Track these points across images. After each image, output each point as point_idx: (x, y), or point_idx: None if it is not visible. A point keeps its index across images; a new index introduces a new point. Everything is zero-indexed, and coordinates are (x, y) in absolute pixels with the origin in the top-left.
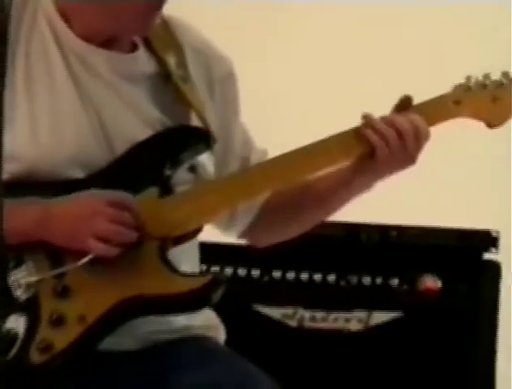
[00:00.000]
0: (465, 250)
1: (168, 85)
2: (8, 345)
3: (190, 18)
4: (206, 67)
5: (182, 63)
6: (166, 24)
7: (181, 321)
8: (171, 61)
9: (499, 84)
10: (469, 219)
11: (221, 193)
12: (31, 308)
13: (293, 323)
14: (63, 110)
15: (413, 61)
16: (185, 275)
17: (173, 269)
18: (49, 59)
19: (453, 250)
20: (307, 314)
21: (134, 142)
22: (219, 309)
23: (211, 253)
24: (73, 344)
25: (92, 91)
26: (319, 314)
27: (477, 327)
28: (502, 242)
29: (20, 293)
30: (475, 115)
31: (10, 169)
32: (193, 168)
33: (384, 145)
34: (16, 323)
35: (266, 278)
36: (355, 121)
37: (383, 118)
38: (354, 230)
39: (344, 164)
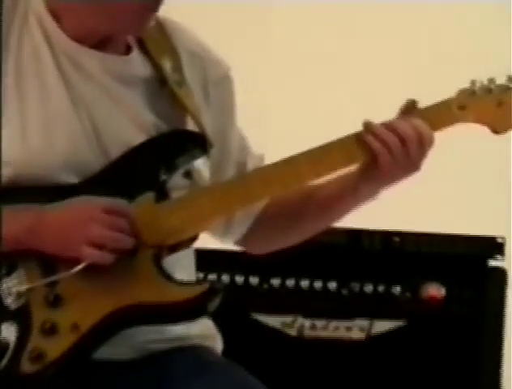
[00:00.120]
0: (470, 256)
1: (163, 89)
2: None
3: (185, 20)
4: (202, 70)
5: (178, 66)
6: (161, 27)
7: (178, 330)
8: (166, 64)
9: (504, 89)
10: (474, 225)
11: (218, 200)
12: (22, 316)
13: (293, 332)
14: (54, 113)
15: (413, 62)
16: (181, 283)
17: (169, 277)
18: (39, 61)
19: (457, 256)
20: (307, 322)
21: (127, 146)
22: (217, 318)
23: (207, 260)
24: (66, 354)
25: (84, 93)
26: (320, 323)
27: (482, 336)
28: (508, 249)
29: (10, 302)
30: (480, 120)
31: (3, 173)
32: (188, 174)
33: (386, 151)
34: (7, 332)
35: (264, 285)
36: (355, 126)
37: (385, 124)
38: (356, 236)
39: (345, 170)
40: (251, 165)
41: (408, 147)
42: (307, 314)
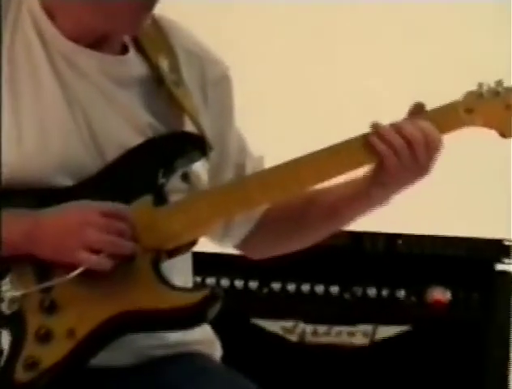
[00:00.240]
0: (476, 260)
1: (160, 89)
2: None
3: (181, 19)
4: (200, 70)
5: (175, 66)
6: (157, 25)
7: (176, 336)
8: (163, 64)
9: None
10: (480, 227)
11: (216, 204)
12: (16, 323)
13: (294, 338)
14: (49, 115)
15: (412, 62)
16: (180, 289)
17: (167, 283)
18: (33, 61)
19: (463, 260)
20: (308, 328)
21: (124, 147)
22: (215, 323)
23: (205, 263)
24: (61, 361)
25: (80, 94)
26: (321, 328)
27: (489, 341)
28: None
29: (4, 307)
30: (488, 124)
31: None
32: (186, 177)
33: (392, 154)
34: (0, 339)
35: (264, 290)
36: (356, 127)
37: (392, 125)
38: (358, 239)
39: (350, 174)
40: (250, 167)
41: (415, 150)
42: (308, 320)
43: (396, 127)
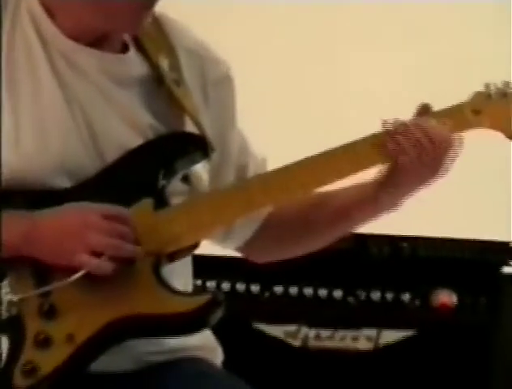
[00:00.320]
0: (482, 263)
1: (160, 89)
2: None
3: (181, 19)
4: (201, 70)
5: (175, 65)
6: (158, 24)
7: (176, 341)
8: (163, 63)
9: None
10: (486, 230)
11: (218, 207)
12: (14, 327)
13: (296, 342)
14: (48, 115)
15: (412, 62)
16: (181, 294)
17: (168, 287)
18: (32, 58)
19: (469, 263)
20: (311, 332)
21: (123, 148)
22: (216, 328)
23: (206, 266)
24: (61, 367)
25: (79, 93)
26: (325, 333)
27: (495, 345)
28: None
29: (2, 311)
30: (495, 125)
31: None
32: (186, 178)
33: (406, 151)
34: None
35: (266, 293)
36: (357, 127)
37: (400, 125)
38: (363, 242)
39: (354, 177)
40: (252, 169)
41: (430, 149)
42: (311, 324)
43: (410, 125)
